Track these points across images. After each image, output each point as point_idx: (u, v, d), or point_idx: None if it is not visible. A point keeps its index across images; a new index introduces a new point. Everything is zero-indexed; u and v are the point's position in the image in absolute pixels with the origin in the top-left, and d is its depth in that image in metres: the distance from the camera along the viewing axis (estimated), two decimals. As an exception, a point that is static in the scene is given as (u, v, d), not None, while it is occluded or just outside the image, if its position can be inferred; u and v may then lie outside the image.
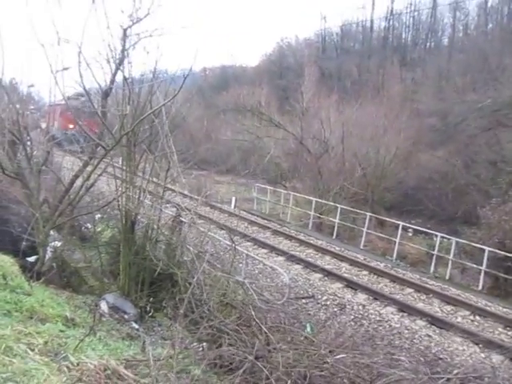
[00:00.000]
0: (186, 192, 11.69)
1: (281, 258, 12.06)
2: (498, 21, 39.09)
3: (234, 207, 19.27)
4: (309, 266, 11.57)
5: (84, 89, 7.68)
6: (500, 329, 9.10)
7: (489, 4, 38.89)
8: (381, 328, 8.51)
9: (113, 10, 8.35)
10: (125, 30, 8.71)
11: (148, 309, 7.20)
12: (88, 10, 7.80)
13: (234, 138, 31.32)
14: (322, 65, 42.70)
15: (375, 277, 11.61)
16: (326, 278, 10.93)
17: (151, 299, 7.39)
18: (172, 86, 9.10)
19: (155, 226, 7.97)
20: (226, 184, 28.18)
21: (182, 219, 8.93)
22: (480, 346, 8.18)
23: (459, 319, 9.36)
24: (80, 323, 5.82)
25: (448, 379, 4.97)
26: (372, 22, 44.39)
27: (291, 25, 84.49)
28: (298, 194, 19.06)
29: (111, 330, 6.41)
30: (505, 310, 10.12)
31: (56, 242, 9.68)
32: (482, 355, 7.94)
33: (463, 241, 13.75)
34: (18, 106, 9.36)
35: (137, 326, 7.15)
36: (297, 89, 32.00)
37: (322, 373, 4.74)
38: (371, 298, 10.02)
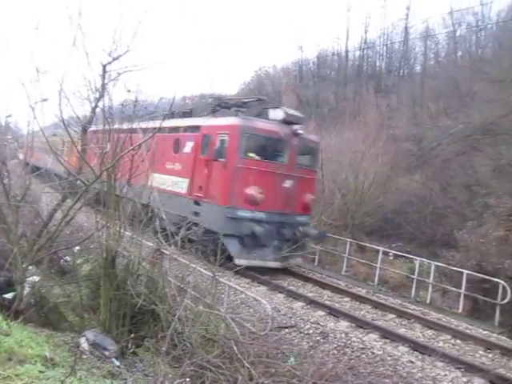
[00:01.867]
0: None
1: (264, 288, 12.05)
2: (466, 49, 40.75)
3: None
4: (291, 294, 11.58)
5: (64, 125, 7.76)
6: (481, 351, 9.23)
7: (457, 33, 40.53)
8: (364, 356, 8.53)
9: (93, 47, 8.54)
10: (104, 67, 8.89)
11: (129, 345, 7.12)
12: (69, 48, 7.97)
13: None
14: (300, 93, 43.58)
15: (357, 303, 11.68)
16: (308, 307, 10.95)
17: (133, 335, 7.31)
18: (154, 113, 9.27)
19: (136, 260, 7.93)
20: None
21: (164, 251, 8.92)
22: (462, 370, 8.27)
23: (441, 343, 9.46)
24: (60, 363, 5.74)
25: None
26: (347, 51, 45.67)
27: (269, 54, 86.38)
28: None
29: (92, 369, 6.31)
30: (485, 332, 10.28)
31: (34, 277, 9.53)
32: (464, 379, 8.02)
33: (442, 264, 13.98)
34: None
35: (118, 363, 7.05)
36: (275, 116, 32.39)
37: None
38: (354, 325, 10.06)
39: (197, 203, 13.77)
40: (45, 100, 8.58)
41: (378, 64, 45.90)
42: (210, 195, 13.26)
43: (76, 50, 8.05)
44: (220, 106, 15.79)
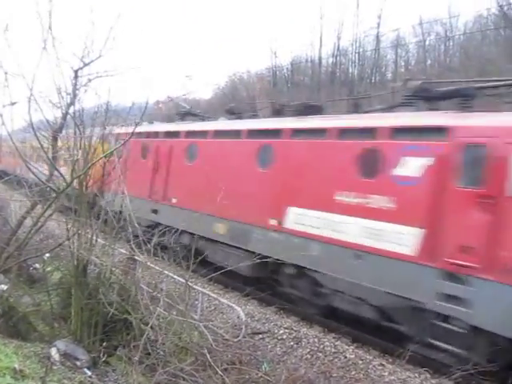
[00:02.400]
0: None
1: (237, 293, 12.09)
2: (435, 57, 41.98)
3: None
4: (265, 300, 11.64)
5: (34, 131, 7.63)
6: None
7: (427, 42, 41.70)
8: (336, 360, 8.68)
9: (65, 52, 8.45)
10: (76, 72, 8.80)
11: (102, 354, 7.03)
12: (39, 52, 7.87)
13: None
14: (274, 98, 43.87)
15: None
16: (281, 312, 11.05)
17: (105, 344, 7.22)
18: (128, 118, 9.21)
19: (109, 269, 7.86)
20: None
21: (137, 258, 8.86)
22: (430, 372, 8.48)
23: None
24: (30, 374, 5.64)
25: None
26: (320, 58, 46.32)
27: (243, 60, 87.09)
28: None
29: (63, 380, 6.21)
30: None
31: (2, 286, 9.31)
32: (433, 381, 8.25)
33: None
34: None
35: (90, 373, 6.94)
36: (250, 122, 32.58)
37: (278, 412, 4.82)
38: (326, 329, 10.21)
39: (455, 279, 7.59)
40: (14, 104, 8.42)
41: (350, 71, 46.68)
42: (498, 266, 7.05)
43: (47, 55, 7.96)
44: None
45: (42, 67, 7.94)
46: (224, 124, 14.39)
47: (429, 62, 41.77)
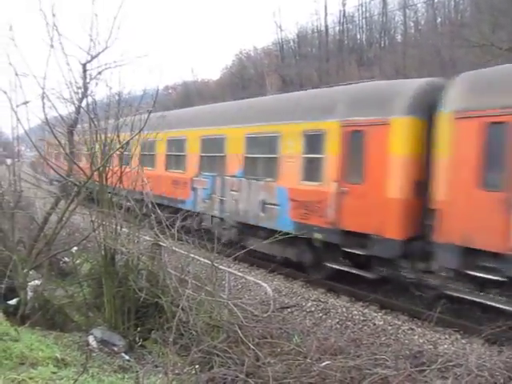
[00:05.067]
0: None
1: (262, 271, 12.26)
2: (445, 15, 40.70)
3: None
4: (290, 274, 11.79)
5: (50, 128, 7.77)
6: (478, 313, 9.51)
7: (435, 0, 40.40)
8: (365, 328, 8.78)
9: (72, 46, 8.52)
10: (84, 65, 8.86)
11: (137, 339, 7.28)
12: (46, 50, 7.95)
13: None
14: (283, 72, 43.41)
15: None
16: (308, 285, 11.18)
17: (139, 328, 7.47)
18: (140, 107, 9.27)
19: (136, 256, 8.05)
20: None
21: (161, 244, 9.03)
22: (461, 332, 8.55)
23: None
24: (71, 362, 5.89)
25: (430, 369, 5.25)
26: (326, 26, 45.47)
27: (249, 36, 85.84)
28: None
29: (103, 365, 6.48)
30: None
31: (36, 281, 9.62)
32: (463, 341, 8.31)
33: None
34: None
35: (128, 357, 7.21)
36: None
37: (312, 380, 4.95)
38: (354, 299, 10.31)
39: None
40: (27, 102, 8.55)
41: (358, 37, 45.74)
42: None
43: (54, 52, 8.04)
44: None
45: (50, 64, 8.04)
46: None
47: (439, 20, 40.56)
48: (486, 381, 4.78)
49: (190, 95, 50.37)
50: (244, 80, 48.65)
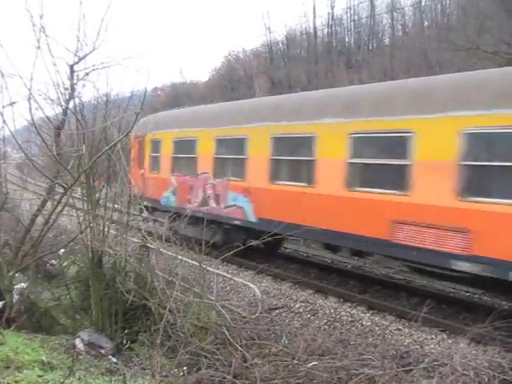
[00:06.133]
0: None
1: (251, 272, 12.26)
2: (432, 18, 41.13)
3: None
4: (279, 276, 11.80)
5: (36, 129, 7.71)
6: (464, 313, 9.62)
7: (422, 3, 40.81)
8: (353, 328, 8.83)
9: (59, 48, 8.46)
10: (71, 67, 8.81)
11: (124, 341, 7.24)
12: (34, 50, 7.88)
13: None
14: (271, 74, 43.49)
15: (344, 278, 12.00)
16: (296, 286, 11.21)
17: (126, 331, 7.43)
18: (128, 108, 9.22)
19: (123, 258, 8.02)
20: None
21: (149, 245, 9.01)
22: (447, 332, 8.63)
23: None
24: (57, 365, 5.85)
25: (416, 369, 5.31)
26: (315, 28, 45.65)
27: (238, 37, 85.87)
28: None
29: (90, 368, 6.44)
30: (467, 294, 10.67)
31: (22, 284, 9.53)
32: (450, 341, 8.39)
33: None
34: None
35: (115, 360, 7.18)
36: (249, 101, 32.43)
37: (299, 381, 4.98)
38: (342, 299, 10.36)
39: None
40: (13, 103, 8.47)
41: (346, 40, 46.01)
42: None
43: (41, 53, 7.97)
44: None
45: (37, 65, 7.98)
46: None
47: (426, 23, 40.96)
48: (470, 380, 4.84)
49: (178, 96, 50.23)
50: (233, 81, 48.65)
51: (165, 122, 15.71)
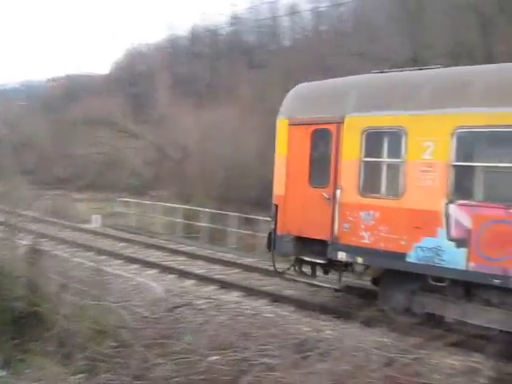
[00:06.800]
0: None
1: (154, 271, 12.03)
2: (330, 23, 43.31)
3: (100, 225, 18.55)
4: (182, 274, 11.75)
5: None
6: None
7: (322, 8, 42.75)
8: (256, 321, 9.07)
9: None
10: None
11: (14, 352, 6.67)
12: None
13: (88, 151, 29.94)
14: (175, 70, 42.83)
15: (247, 273, 12.28)
16: (200, 283, 11.23)
17: (16, 341, 6.86)
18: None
19: (11, 261, 7.40)
20: (86, 201, 26.87)
21: (41, 248, 8.42)
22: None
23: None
24: None
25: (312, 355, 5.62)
26: (218, 26, 45.76)
27: (140, 31, 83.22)
28: (163, 204, 19.09)
29: (-26, 385, 5.85)
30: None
31: None
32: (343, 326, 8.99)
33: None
34: None
35: (4, 373, 6.60)
36: (151, 96, 31.73)
37: (202, 376, 5.01)
38: (245, 293, 10.60)
39: None
40: None
41: (249, 39, 46.77)
42: None
43: None
44: None
45: None
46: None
47: (324, 27, 42.95)
48: (359, 360, 5.24)
49: (74, 90, 47.30)
50: (134, 76, 47.01)
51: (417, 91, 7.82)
